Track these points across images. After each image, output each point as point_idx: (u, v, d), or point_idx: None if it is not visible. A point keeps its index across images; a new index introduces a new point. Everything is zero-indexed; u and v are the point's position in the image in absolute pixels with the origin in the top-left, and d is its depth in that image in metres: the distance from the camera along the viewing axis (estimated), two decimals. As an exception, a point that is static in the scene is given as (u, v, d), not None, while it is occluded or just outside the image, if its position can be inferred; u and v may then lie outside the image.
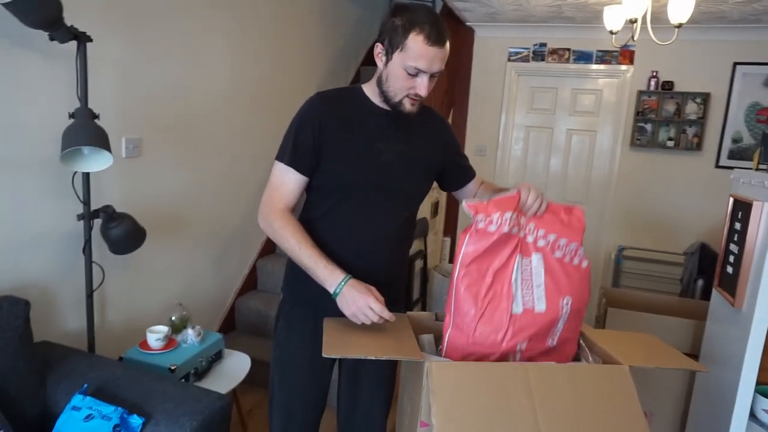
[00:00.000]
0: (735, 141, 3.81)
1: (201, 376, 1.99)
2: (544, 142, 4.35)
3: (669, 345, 1.23)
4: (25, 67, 1.70)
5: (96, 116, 1.73)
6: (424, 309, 3.73)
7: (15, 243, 1.74)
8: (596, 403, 1.01)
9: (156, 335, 1.94)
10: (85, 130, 1.65)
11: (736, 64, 3.74)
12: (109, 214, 1.85)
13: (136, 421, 1.39)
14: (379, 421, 1.50)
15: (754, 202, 1.57)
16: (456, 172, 1.49)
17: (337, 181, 1.29)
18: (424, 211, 3.76)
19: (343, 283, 1.19)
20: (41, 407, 1.52)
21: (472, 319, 1.11)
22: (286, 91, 3.21)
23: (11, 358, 1.46)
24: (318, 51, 3.61)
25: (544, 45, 4.18)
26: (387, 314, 1.16)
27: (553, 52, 4.17)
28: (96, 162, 1.72)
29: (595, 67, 4.09)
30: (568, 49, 4.13)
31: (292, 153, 1.26)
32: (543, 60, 4.21)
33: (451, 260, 4.34)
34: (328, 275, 1.21)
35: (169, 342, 1.99)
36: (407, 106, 1.25)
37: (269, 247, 3.24)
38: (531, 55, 4.24)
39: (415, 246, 3.61)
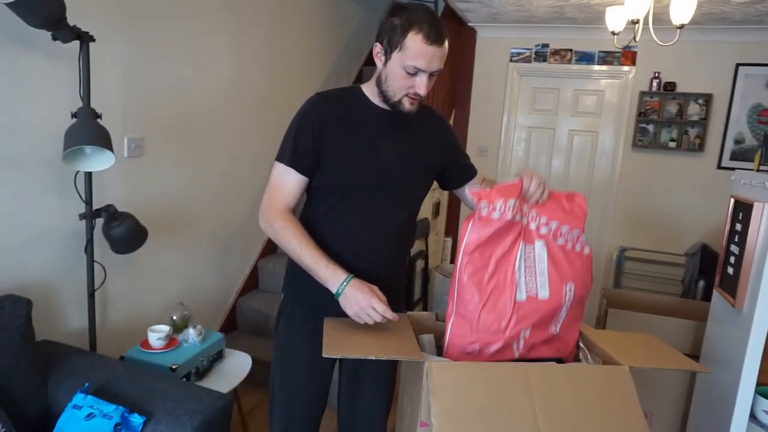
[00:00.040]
0: (737, 142, 3.80)
1: (202, 376, 1.99)
2: (546, 143, 4.35)
3: (669, 345, 1.23)
4: (28, 67, 1.71)
5: (98, 116, 1.74)
6: (425, 309, 3.73)
7: (17, 242, 1.75)
8: (596, 403, 1.01)
9: (157, 334, 1.95)
10: (88, 130, 1.65)
11: (738, 65, 3.73)
12: (111, 214, 1.85)
13: (137, 420, 1.39)
14: (379, 421, 1.50)
15: (755, 203, 1.57)
16: (457, 171, 1.49)
17: (337, 181, 1.29)
18: (425, 211, 3.76)
19: (345, 283, 1.19)
20: (43, 406, 1.53)
21: (476, 307, 1.11)
22: (287, 91, 3.21)
23: (13, 357, 1.46)
24: (319, 51, 3.61)
25: (546, 46, 4.18)
26: (390, 314, 1.16)
27: (555, 52, 4.17)
28: (98, 161, 1.73)
29: (597, 67, 4.09)
30: (570, 50, 4.13)
31: (292, 153, 1.26)
32: (545, 61, 4.20)
33: (452, 261, 4.34)
34: (331, 275, 1.21)
35: (171, 341, 1.99)
36: (407, 105, 1.26)
37: (270, 247, 3.24)
38: (533, 55, 4.23)
39: (417, 246, 3.61)
